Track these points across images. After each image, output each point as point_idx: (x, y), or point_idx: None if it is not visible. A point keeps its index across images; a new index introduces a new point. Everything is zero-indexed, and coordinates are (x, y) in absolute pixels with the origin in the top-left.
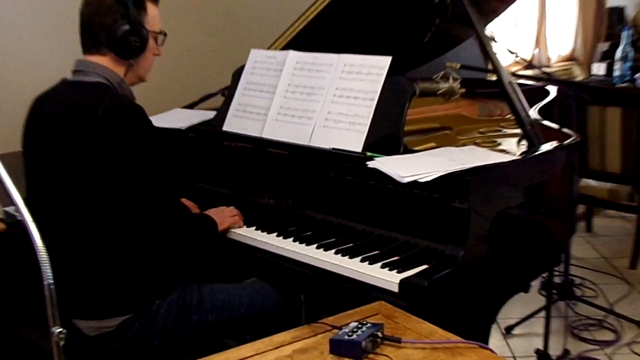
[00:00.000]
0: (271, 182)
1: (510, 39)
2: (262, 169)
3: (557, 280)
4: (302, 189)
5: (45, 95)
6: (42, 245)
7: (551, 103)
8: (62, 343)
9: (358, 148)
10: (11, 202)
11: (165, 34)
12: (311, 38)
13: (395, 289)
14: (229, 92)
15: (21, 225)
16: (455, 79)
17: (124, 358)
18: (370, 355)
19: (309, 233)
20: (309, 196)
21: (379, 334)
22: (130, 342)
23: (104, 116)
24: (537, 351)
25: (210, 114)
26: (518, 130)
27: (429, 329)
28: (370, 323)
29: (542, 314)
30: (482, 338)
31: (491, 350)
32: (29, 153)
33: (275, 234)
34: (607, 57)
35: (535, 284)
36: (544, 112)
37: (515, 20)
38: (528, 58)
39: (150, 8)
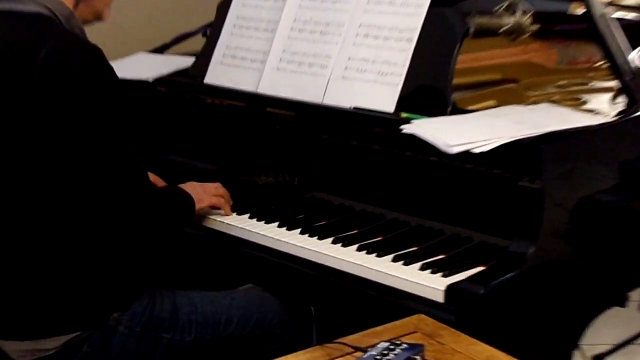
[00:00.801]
0: (271, 155)
1: None
2: (259, 136)
3: None
4: (313, 164)
5: None
6: None
7: None
8: None
9: (390, 107)
10: None
11: None
12: None
13: (440, 298)
14: (212, 31)
15: None
16: (524, 12)
17: None
18: None
19: (322, 223)
20: (321, 173)
21: (418, 358)
22: None
23: (48, 61)
24: None
25: (188, 61)
26: (613, 83)
27: (486, 352)
28: (405, 344)
29: None
30: None
31: None
32: None
33: (277, 224)
34: None
35: (636, 297)
36: None
37: None
38: None
39: None
